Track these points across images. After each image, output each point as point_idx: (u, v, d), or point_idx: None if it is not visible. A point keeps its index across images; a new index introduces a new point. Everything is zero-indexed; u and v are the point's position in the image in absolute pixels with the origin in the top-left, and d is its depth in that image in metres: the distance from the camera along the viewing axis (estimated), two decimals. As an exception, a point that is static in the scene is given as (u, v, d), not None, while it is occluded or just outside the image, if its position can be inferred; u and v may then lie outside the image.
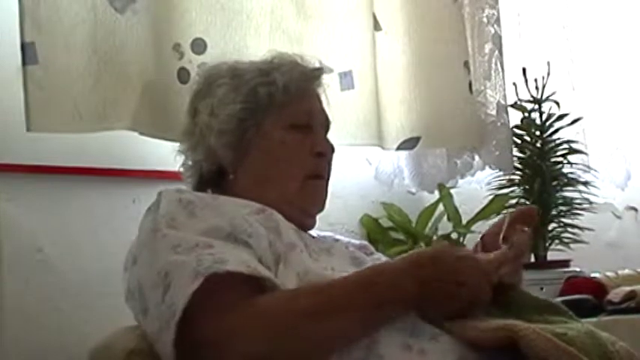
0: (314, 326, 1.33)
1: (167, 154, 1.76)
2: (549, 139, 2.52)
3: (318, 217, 1.69)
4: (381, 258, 1.71)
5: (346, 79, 2.27)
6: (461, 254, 1.42)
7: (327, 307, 1.34)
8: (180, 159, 1.70)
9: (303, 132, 1.64)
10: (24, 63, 1.83)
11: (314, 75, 1.69)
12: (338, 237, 1.73)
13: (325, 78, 1.73)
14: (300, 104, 1.65)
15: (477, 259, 1.43)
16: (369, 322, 1.35)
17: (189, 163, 1.69)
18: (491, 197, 2.49)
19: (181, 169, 1.71)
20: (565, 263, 2.41)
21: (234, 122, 1.62)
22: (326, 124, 1.71)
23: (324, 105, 1.72)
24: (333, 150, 1.69)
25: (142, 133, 2.00)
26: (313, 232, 1.67)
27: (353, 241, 1.76)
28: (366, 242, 1.82)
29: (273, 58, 1.69)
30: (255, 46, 2.11)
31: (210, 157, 1.64)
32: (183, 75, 2.00)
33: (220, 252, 1.36)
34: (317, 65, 1.71)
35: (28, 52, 1.83)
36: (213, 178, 1.66)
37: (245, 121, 1.62)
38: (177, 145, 1.73)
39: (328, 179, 1.68)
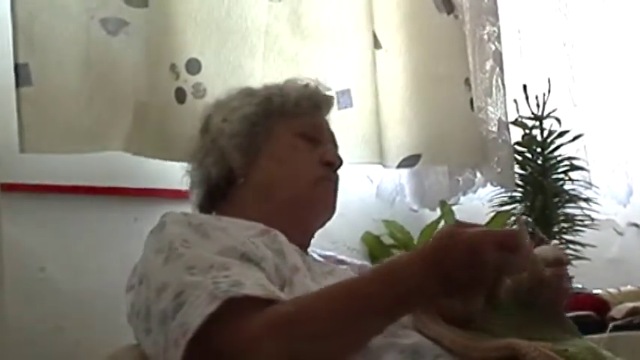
0: (336, 328, 1.26)
1: (169, 173, 1.77)
2: (550, 155, 2.52)
3: (319, 234, 1.69)
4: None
5: (344, 98, 2.27)
6: (471, 232, 1.22)
7: (347, 312, 1.27)
8: (189, 173, 1.70)
9: (312, 143, 1.67)
10: (18, 84, 1.83)
11: (325, 98, 1.74)
12: (340, 257, 1.73)
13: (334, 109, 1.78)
14: (310, 118, 1.69)
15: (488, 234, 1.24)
16: (390, 321, 1.30)
17: (199, 174, 1.68)
18: (492, 214, 2.48)
19: (189, 182, 1.70)
20: (567, 280, 2.40)
21: (246, 124, 1.65)
22: (334, 144, 1.74)
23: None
24: (341, 163, 1.70)
25: (135, 154, 1.99)
26: (315, 254, 1.67)
27: (355, 261, 1.75)
28: (367, 263, 1.81)
29: (286, 81, 1.74)
30: (250, 66, 2.12)
31: (221, 160, 1.65)
32: (180, 95, 2.00)
33: (236, 274, 1.34)
34: (329, 93, 1.75)
35: (21, 73, 1.83)
36: (221, 185, 1.66)
37: (256, 125, 1.65)
38: (175, 163, 1.72)
39: (336, 190, 1.69)
